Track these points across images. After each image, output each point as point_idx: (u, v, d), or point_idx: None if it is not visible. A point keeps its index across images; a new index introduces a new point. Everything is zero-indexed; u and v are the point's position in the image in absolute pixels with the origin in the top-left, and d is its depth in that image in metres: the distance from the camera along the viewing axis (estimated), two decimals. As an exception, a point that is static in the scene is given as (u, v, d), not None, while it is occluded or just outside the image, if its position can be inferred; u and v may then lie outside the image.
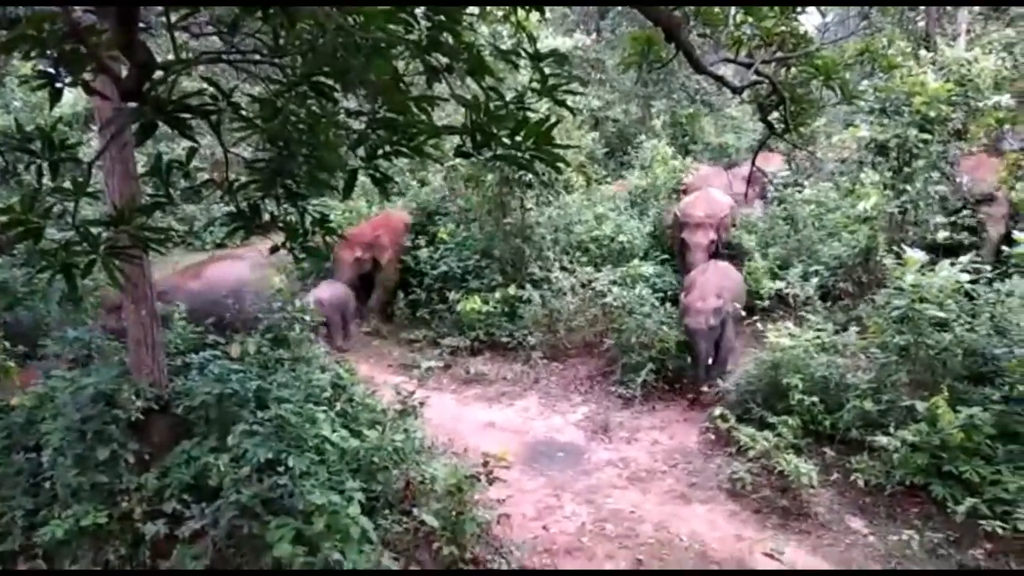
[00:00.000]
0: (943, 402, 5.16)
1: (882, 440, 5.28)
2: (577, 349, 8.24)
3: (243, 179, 2.53)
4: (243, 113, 2.31)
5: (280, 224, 2.62)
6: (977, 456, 5.05)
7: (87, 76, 2.14)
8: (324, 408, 5.14)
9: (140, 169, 4.96)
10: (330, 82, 2.26)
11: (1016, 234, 6.03)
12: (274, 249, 2.62)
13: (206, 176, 3.57)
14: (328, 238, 2.66)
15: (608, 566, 4.68)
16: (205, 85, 2.30)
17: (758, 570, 3.88)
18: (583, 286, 8.51)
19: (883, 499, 5.27)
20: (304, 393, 5.26)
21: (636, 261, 8.88)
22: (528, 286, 8.61)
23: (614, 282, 8.34)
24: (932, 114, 7.40)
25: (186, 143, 2.33)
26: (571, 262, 9.05)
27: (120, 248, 2.12)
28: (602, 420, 6.82)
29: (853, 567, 4.65)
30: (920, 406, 5.26)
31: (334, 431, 4.97)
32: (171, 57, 2.18)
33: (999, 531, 4.60)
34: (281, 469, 4.40)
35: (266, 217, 2.63)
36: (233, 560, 4.24)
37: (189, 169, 2.40)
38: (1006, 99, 7.79)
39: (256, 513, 4.23)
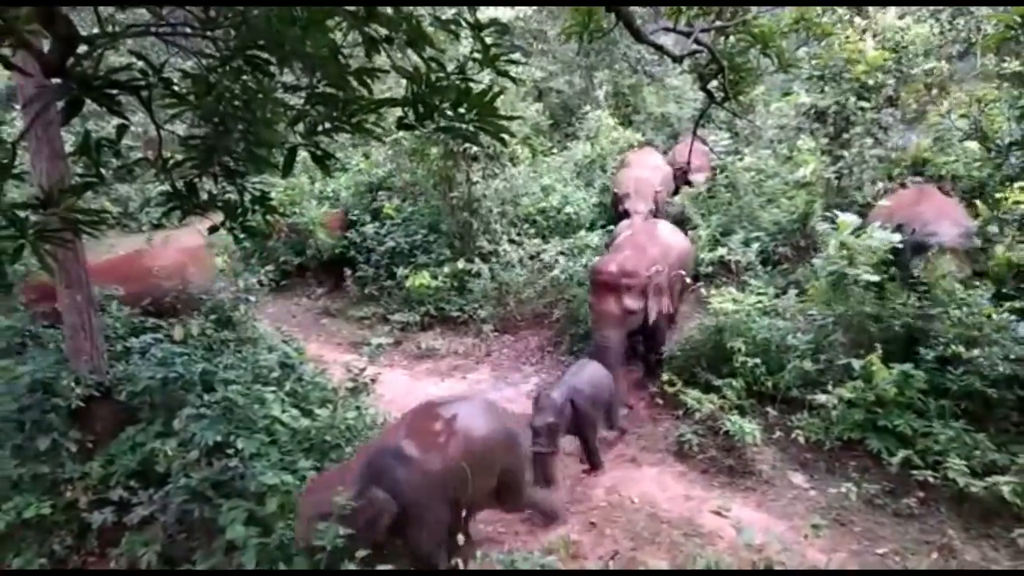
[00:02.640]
0: (877, 360, 5.38)
1: (821, 398, 5.48)
2: (527, 321, 8.30)
3: (178, 157, 2.46)
4: (175, 89, 2.24)
5: (219, 203, 2.56)
6: (910, 410, 5.28)
7: (6, 51, 2.04)
8: (273, 388, 5.09)
9: (68, 148, 4.77)
10: (265, 56, 2.21)
11: None
12: (213, 229, 2.56)
13: (139, 155, 3.46)
14: (268, 217, 2.61)
15: (563, 531, 4.78)
16: (134, 60, 2.21)
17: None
18: (531, 258, 8.56)
19: (823, 454, 5.48)
20: (252, 374, 5.20)
21: (583, 232, 8.96)
22: (477, 260, 8.61)
23: (562, 253, 8.40)
24: (870, 82, 7.59)
25: (116, 121, 2.25)
26: (519, 235, 9.08)
27: (50, 232, 2.05)
28: (553, 390, 6.89)
29: (796, 520, 4.85)
30: (856, 365, 5.47)
31: (284, 411, 4.93)
32: (96, 30, 2.10)
33: (931, 480, 4.84)
34: (231, 451, 4.35)
35: (204, 196, 2.57)
36: (185, 545, 4.20)
37: (120, 148, 2.32)
38: (937, 64, 8.04)
39: (207, 497, 4.18)
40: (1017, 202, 6.10)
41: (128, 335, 5.43)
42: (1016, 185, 6.15)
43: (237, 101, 2.32)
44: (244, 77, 2.31)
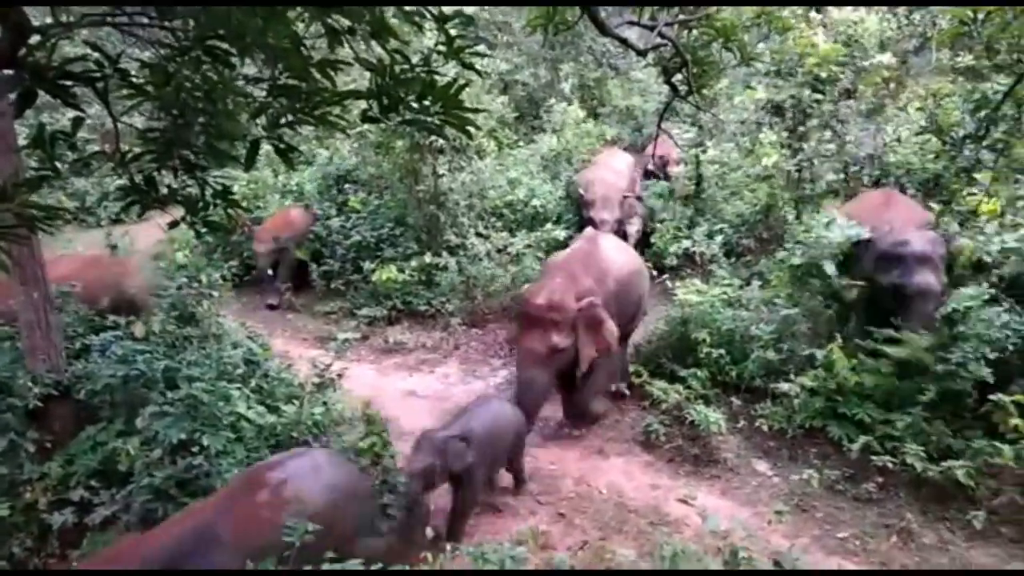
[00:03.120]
0: (838, 349, 5.50)
1: (784, 387, 5.59)
2: (495, 314, 8.30)
3: (136, 150, 2.41)
4: (132, 80, 2.19)
5: (179, 197, 2.52)
6: (869, 398, 5.41)
7: (-47, 41, 1.98)
8: (238, 385, 5.03)
9: (22, 142, 4.65)
10: (226, 46, 2.17)
11: None
12: (173, 224, 2.52)
13: (95, 148, 3.38)
14: (230, 211, 2.57)
15: (531, 522, 4.81)
16: (89, 50, 2.16)
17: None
18: (499, 251, 8.55)
19: (786, 442, 5.59)
20: (216, 371, 5.13)
21: (550, 225, 8.99)
22: (444, 253, 8.58)
23: (529, 246, 8.42)
24: (823, 74, 7.71)
25: (71, 113, 2.19)
26: (486, 228, 9.06)
27: (5, 228, 2.00)
28: (521, 383, 6.91)
29: (759, 507, 4.94)
30: (818, 354, 5.59)
31: (250, 408, 4.87)
32: (49, 20, 2.05)
33: (889, 465, 4.97)
34: (195, 449, 4.29)
35: (163, 190, 2.53)
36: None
37: (76, 141, 2.27)
38: (887, 58, 8.19)
39: (171, 495, 4.12)
40: (970, 194, 6.26)
41: (87, 333, 5.31)
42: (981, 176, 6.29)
43: (197, 92, 2.28)
44: (204, 68, 2.27)
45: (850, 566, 4.41)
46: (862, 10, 8.60)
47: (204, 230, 2.61)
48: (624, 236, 8.66)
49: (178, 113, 2.31)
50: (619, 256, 6.33)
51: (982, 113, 6.75)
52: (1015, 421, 4.72)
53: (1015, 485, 4.73)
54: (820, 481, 5.12)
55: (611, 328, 5.55)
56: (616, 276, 6.01)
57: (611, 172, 9.41)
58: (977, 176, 6.42)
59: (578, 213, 9.35)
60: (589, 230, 6.85)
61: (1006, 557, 4.38)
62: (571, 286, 5.59)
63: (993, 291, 5.35)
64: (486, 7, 12.69)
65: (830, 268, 5.86)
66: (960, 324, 5.22)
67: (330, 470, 3.91)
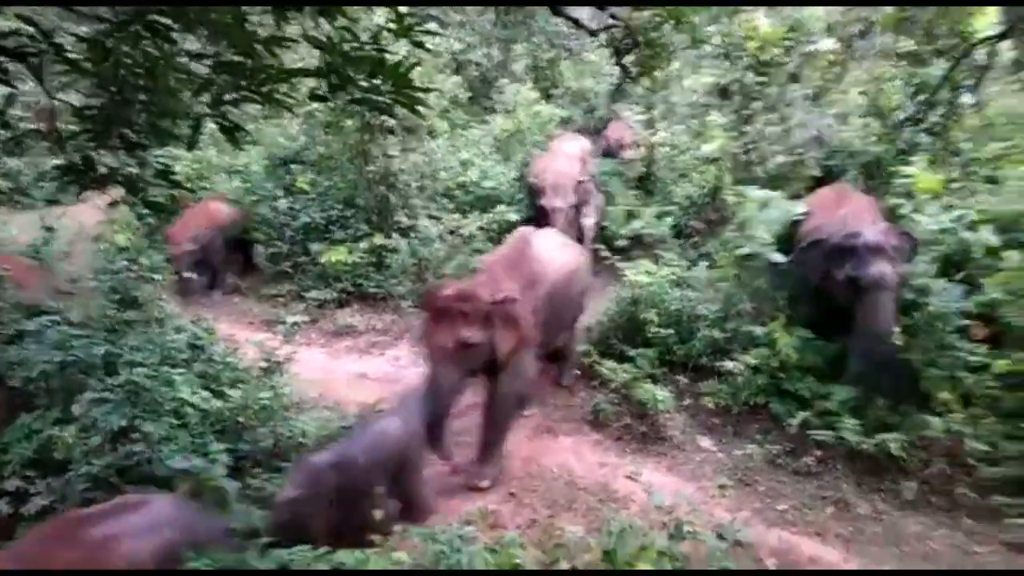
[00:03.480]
0: (779, 327, 5.66)
1: (728, 365, 5.73)
2: (447, 296, 8.27)
3: (73, 128, 2.34)
4: (68, 56, 2.12)
5: (119, 177, 2.45)
6: (809, 375, 5.58)
7: None
8: (182, 370, 4.92)
9: (-51, 118, 4.44)
10: (166, 21, 2.12)
11: None
12: (113, 204, 2.45)
13: (30, 126, 3.26)
14: (173, 191, 2.51)
15: (481, 502, 4.84)
16: (22, 24, 2.08)
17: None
18: (451, 233, 8.51)
19: (730, 419, 5.74)
20: (159, 355, 5.01)
21: (502, 207, 8.97)
22: (395, 235, 8.50)
23: (481, 228, 8.40)
24: (766, 57, 7.84)
25: (3, 89, 2.11)
26: (438, 209, 9.00)
27: (-69, 207, 1.92)
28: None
29: (704, 481, 5.07)
30: (760, 332, 5.74)
31: (194, 393, 4.77)
32: (-24, -9, 1.96)
33: (827, 440, 5.15)
34: (136, 436, 4.20)
35: (103, 170, 2.46)
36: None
37: (9, 119, 2.18)
38: (831, 44, 8.37)
39: (111, 483, 4.03)
40: (907, 176, 6.47)
41: (22, 317, 5.13)
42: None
43: (137, 69, 2.22)
44: (144, 43, 2.20)
45: (789, 537, 4.57)
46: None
47: (146, 211, 2.55)
48: (580, 224, 8.57)
49: (117, 90, 2.25)
50: (555, 255, 5.75)
51: (921, 97, 6.98)
52: (944, 395, 4.93)
53: (944, 456, 4.95)
54: (762, 456, 5.28)
55: (529, 326, 5.04)
56: (552, 279, 5.49)
57: (563, 158, 9.10)
58: (914, 160, 6.62)
59: (532, 199, 9.32)
60: (522, 228, 6.16)
61: (934, 524, 4.59)
62: (494, 281, 5.10)
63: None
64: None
65: (776, 256, 5.98)
66: (923, 301, 5.32)
67: (161, 518, 3.34)
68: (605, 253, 7.64)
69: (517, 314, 4.92)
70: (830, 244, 5.48)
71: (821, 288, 5.56)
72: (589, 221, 8.68)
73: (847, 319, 5.36)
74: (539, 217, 8.25)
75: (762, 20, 8.05)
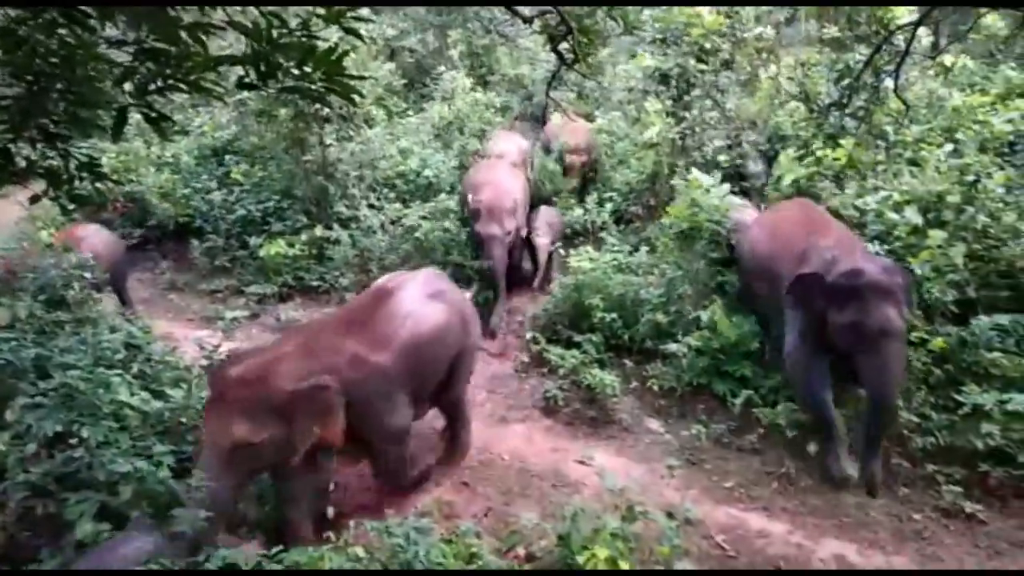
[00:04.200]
0: (719, 310, 5.79)
1: (672, 348, 5.84)
2: (391, 287, 8.18)
3: (-13, 121, 2.21)
4: (-23, 43, 2.00)
5: (40, 170, 2.33)
6: (750, 356, 5.73)
7: None
8: (119, 371, 4.74)
9: None
10: (84, 7, 2.01)
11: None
12: (35, 199, 2.33)
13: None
14: (99, 185, 2.40)
15: (436, 493, 4.83)
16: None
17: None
18: (393, 223, 8.41)
19: (675, 400, 5.85)
20: (93, 357, 4.82)
21: (443, 196, 8.89)
22: (336, 226, 8.36)
23: (424, 217, 8.32)
24: (707, 45, 7.97)
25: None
26: (378, 199, 8.88)
27: None
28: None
29: (653, 463, 5.16)
30: (702, 315, 5.86)
31: (133, 394, 4.60)
32: None
33: (770, 416, 5.29)
34: (74, 441, 4.03)
35: (22, 163, 2.33)
36: (31, 544, 3.87)
37: (-87, 110, 2.05)
38: (768, 31, 8.56)
39: (50, 491, 3.86)
40: (836, 159, 6.67)
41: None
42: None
43: (54, 57, 2.10)
44: (61, 31, 2.09)
45: (737, 513, 4.69)
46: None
47: (71, 205, 2.43)
48: (531, 248, 7.87)
49: (33, 79, 2.13)
50: (420, 309, 4.65)
51: (845, 82, 7.18)
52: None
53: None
54: (708, 435, 5.41)
55: (339, 422, 4.09)
56: (409, 338, 4.48)
57: (503, 172, 7.93)
58: (842, 142, 6.82)
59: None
60: (390, 276, 5.17)
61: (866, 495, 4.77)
62: (304, 359, 4.10)
63: None
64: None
65: (717, 227, 6.11)
66: None
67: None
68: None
69: (330, 403, 4.02)
70: (828, 283, 4.72)
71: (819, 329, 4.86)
72: (542, 240, 7.83)
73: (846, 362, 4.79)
74: (475, 243, 7.45)
75: (703, 7, 8.16)
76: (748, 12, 8.81)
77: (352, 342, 4.29)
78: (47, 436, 4.01)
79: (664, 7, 8.00)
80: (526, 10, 4.57)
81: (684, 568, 3.62)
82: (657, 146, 8.37)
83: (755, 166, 8.07)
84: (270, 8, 2.17)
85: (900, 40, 6.49)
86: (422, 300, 4.70)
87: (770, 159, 7.62)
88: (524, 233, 7.78)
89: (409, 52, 13.64)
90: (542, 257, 7.82)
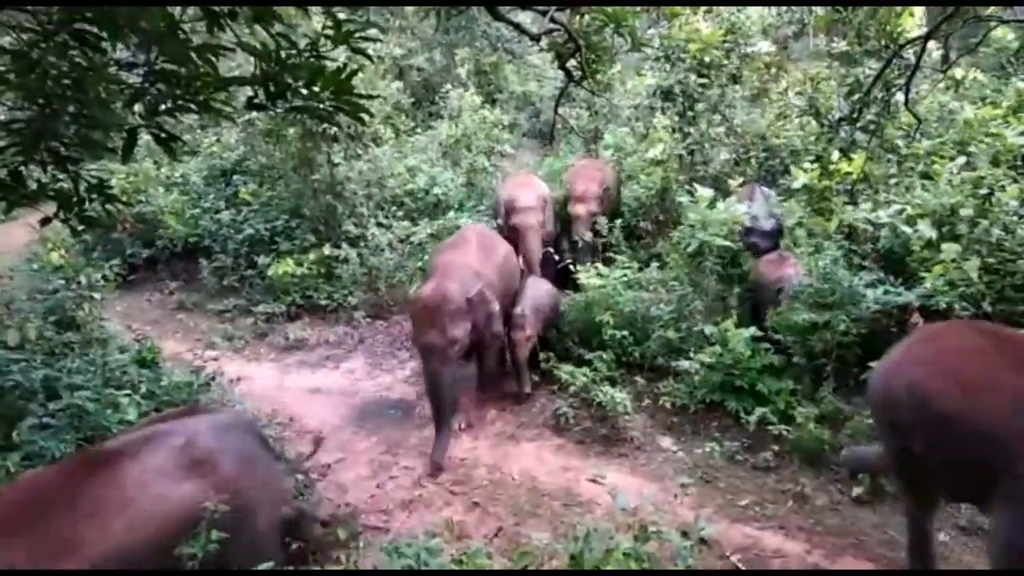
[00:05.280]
0: (731, 325, 5.73)
1: (684, 364, 5.77)
2: (400, 306, 8.17)
3: (0, 143, 2.21)
4: (-12, 67, 2.00)
5: (50, 192, 2.33)
6: (764, 371, 5.66)
7: None
8: (127, 392, 4.75)
9: None
10: (95, 30, 2.01)
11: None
12: (45, 221, 2.32)
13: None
14: (109, 206, 2.40)
15: (446, 513, 4.78)
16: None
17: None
18: (401, 241, 8.42)
19: (688, 417, 5.79)
20: (102, 378, 4.83)
21: (452, 213, 8.91)
22: (344, 245, 8.36)
23: (432, 235, 8.32)
24: (707, 59, 7.97)
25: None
26: (387, 217, 8.89)
27: None
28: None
29: (666, 481, 5.09)
30: (713, 331, 5.80)
31: (141, 415, 4.61)
32: None
33: (785, 433, 5.22)
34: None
35: (33, 185, 2.33)
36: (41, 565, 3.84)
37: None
38: (767, 46, 8.57)
39: (58, 513, 3.83)
40: (847, 172, 6.64)
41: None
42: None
43: (65, 80, 2.10)
44: (72, 53, 2.09)
45: (752, 532, 4.62)
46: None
47: (81, 227, 2.43)
48: (509, 342, 6.28)
49: (45, 102, 2.13)
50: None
51: (855, 96, 7.17)
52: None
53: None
54: (721, 453, 5.33)
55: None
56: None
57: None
58: (853, 156, 6.80)
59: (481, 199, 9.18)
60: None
61: (891, 512, 4.66)
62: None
63: (861, 256, 5.73)
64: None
65: (724, 242, 6.08)
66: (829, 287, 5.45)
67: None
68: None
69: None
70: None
71: None
72: (522, 335, 6.18)
73: None
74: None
75: (702, 23, 8.18)
76: (750, 26, 8.82)
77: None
78: (56, 456, 4.00)
79: (668, 23, 8.02)
80: (534, 27, 4.57)
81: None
82: (665, 162, 8.36)
83: (765, 223, 6.98)
84: (278, 29, 2.17)
85: (910, 54, 6.48)
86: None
87: (780, 229, 6.95)
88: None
89: (417, 71, 13.73)
90: (521, 354, 6.20)
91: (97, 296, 5.78)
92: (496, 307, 5.77)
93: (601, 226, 7.65)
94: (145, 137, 2.21)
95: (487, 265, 6.06)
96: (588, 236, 7.87)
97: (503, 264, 6.35)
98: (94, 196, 2.39)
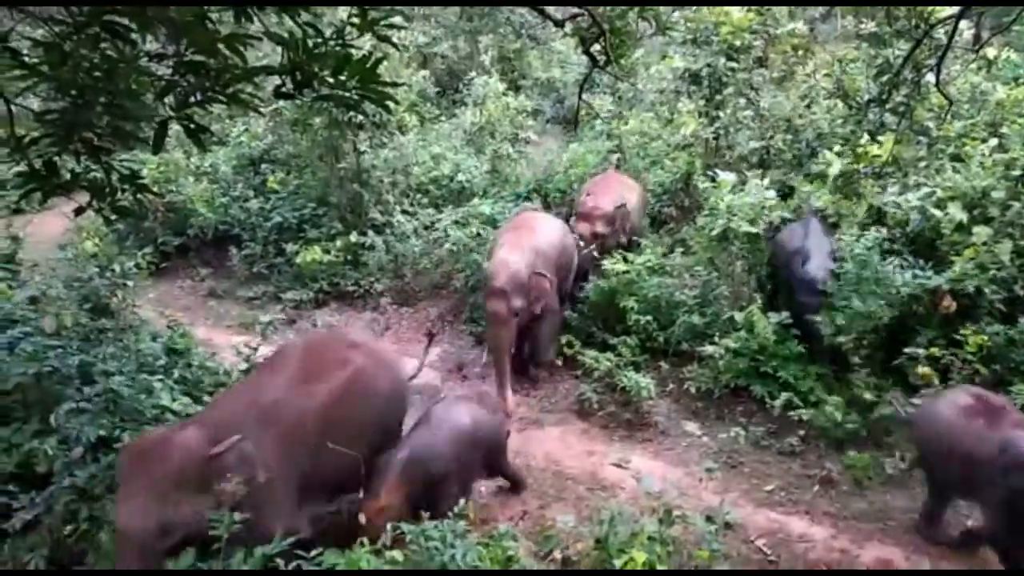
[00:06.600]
0: (757, 311, 5.70)
1: (709, 349, 5.76)
2: (426, 292, 8.23)
3: (34, 134, 2.28)
4: (24, 60, 2.06)
5: (84, 183, 2.39)
6: (789, 357, 5.63)
7: None
8: (160, 377, 4.85)
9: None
10: (125, 21, 2.06)
11: None
12: (79, 211, 2.39)
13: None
14: (140, 196, 2.46)
15: (472, 496, 4.83)
16: (-28, 28, 2.01)
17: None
18: (426, 228, 8.46)
19: (713, 402, 5.78)
20: (136, 363, 4.94)
21: (476, 200, 8.92)
22: (370, 232, 8.43)
23: (456, 222, 8.35)
24: (737, 43, 7.88)
25: (-43, 96, 2.05)
26: (412, 205, 8.93)
27: None
28: (456, 359, 6.92)
29: (691, 466, 5.11)
30: (739, 316, 5.78)
31: (174, 400, 4.71)
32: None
33: (810, 419, 5.19)
34: (118, 446, 4.12)
35: (67, 175, 2.39)
36: (75, 547, 3.97)
37: (-36, 126, 2.12)
38: (800, 26, 8.43)
39: (95, 495, 3.96)
40: (876, 155, 6.54)
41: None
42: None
43: (97, 72, 2.15)
44: (103, 45, 2.14)
45: (777, 516, 4.62)
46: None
47: (114, 216, 2.49)
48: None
49: (77, 94, 2.19)
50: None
51: (884, 78, 7.05)
52: (923, 370, 4.98)
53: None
54: (746, 438, 5.32)
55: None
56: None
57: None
58: (882, 139, 6.69)
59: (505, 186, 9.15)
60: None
61: (917, 497, 4.65)
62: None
63: (890, 241, 5.66)
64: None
65: (750, 228, 6.03)
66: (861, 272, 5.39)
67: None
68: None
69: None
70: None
71: None
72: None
73: None
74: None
75: (731, 6, 8.06)
76: (780, 9, 8.68)
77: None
78: (91, 441, 4.11)
79: (694, 7, 7.93)
80: (558, 13, 4.56)
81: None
82: (690, 146, 8.30)
83: (818, 272, 5.71)
84: (305, 18, 2.20)
85: (941, 34, 6.35)
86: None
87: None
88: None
89: (441, 58, 13.72)
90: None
91: (130, 283, 5.90)
92: (553, 283, 6.12)
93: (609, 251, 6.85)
94: (175, 127, 2.26)
95: (544, 243, 6.37)
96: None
97: (559, 242, 6.60)
98: (126, 186, 2.45)
